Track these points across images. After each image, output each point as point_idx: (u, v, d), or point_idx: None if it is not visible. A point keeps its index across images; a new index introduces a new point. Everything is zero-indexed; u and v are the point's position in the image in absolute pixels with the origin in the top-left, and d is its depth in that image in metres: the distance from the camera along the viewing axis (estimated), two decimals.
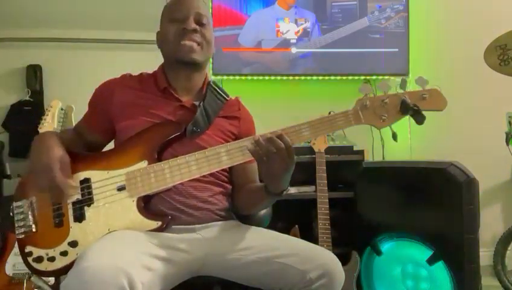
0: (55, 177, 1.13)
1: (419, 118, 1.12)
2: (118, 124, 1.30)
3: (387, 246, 2.08)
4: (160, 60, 1.39)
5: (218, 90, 1.37)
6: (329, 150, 2.38)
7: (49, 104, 2.26)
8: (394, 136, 1.18)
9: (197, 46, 1.29)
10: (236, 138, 1.32)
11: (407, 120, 2.88)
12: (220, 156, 1.16)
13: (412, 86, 1.16)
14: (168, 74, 1.35)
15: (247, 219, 1.39)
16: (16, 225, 1.20)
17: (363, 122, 1.16)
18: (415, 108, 1.12)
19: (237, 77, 2.80)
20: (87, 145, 1.37)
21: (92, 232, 1.14)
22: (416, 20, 2.91)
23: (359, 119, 1.16)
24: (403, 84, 1.16)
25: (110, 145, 1.36)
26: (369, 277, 2.14)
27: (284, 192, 1.21)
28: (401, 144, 2.85)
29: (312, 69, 2.85)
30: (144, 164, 1.18)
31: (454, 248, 1.85)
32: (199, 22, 1.30)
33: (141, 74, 1.39)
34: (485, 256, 2.33)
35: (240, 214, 1.38)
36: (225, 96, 1.38)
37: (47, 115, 2.21)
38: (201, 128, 1.28)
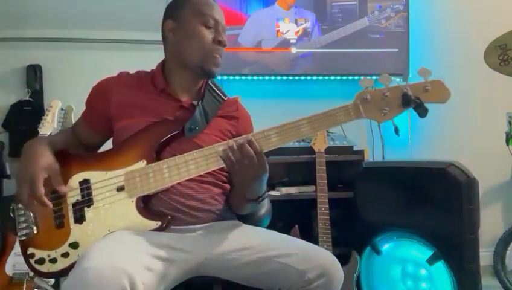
0: (37, 192, 1.11)
1: (421, 111, 1.08)
2: (115, 124, 1.30)
3: (387, 246, 2.08)
4: (160, 60, 1.39)
5: (216, 90, 1.37)
6: (329, 150, 2.38)
7: (49, 104, 2.25)
8: (396, 131, 1.15)
9: (221, 60, 1.31)
10: (235, 137, 1.30)
11: (408, 120, 2.87)
12: (218, 154, 1.15)
13: None
14: (170, 73, 1.34)
15: (247, 219, 1.39)
16: (18, 227, 1.20)
17: (364, 116, 1.13)
18: (417, 101, 1.08)
19: (237, 77, 2.79)
20: (85, 144, 1.37)
21: (92, 233, 1.14)
22: (416, 20, 2.91)
23: (359, 113, 1.13)
24: (405, 77, 1.13)
25: (108, 145, 1.35)
26: (369, 277, 2.14)
27: (260, 198, 1.22)
28: (401, 144, 2.85)
29: (312, 69, 2.85)
30: (142, 163, 1.18)
31: (454, 248, 1.85)
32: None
33: (138, 72, 1.38)
34: (485, 256, 2.33)
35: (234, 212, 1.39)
36: (223, 97, 1.38)
37: (47, 115, 2.21)
38: (200, 127, 1.28)
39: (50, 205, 1.13)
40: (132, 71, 1.40)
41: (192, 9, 1.30)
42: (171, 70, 1.34)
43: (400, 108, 1.11)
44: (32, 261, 1.17)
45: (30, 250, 1.18)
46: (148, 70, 1.40)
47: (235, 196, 1.31)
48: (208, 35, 1.28)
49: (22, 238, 1.19)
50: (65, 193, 1.16)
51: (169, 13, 1.34)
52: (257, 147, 1.11)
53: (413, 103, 1.09)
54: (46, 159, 1.16)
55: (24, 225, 1.19)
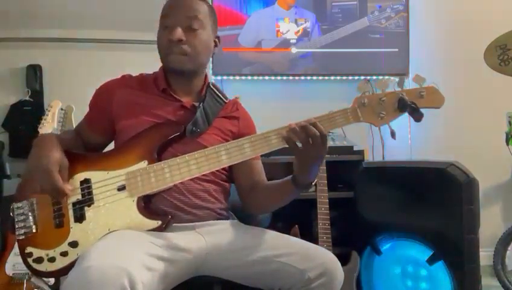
0: (55, 181, 1.12)
1: (417, 116, 1.12)
2: (118, 124, 1.31)
3: (387, 246, 2.08)
4: (159, 60, 1.39)
5: (217, 92, 1.38)
6: (329, 150, 2.35)
7: (49, 104, 2.25)
8: (393, 134, 1.18)
9: (184, 56, 1.28)
10: (236, 136, 1.32)
11: (408, 120, 2.88)
12: (219, 155, 1.16)
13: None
14: (168, 75, 1.36)
15: (247, 219, 1.39)
16: (16, 226, 1.19)
17: (362, 120, 1.16)
18: (413, 106, 1.12)
19: (237, 77, 2.80)
20: (88, 146, 1.37)
21: (92, 233, 1.13)
22: (416, 20, 2.91)
23: (357, 117, 1.16)
24: (401, 83, 1.16)
25: (110, 146, 1.36)
26: (369, 277, 2.14)
27: (312, 184, 1.22)
28: (401, 144, 2.85)
29: (312, 69, 2.85)
30: (143, 164, 1.18)
31: (454, 248, 1.85)
32: (189, 28, 1.28)
33: (141, 74, 1.39)
34: (485, 256, 2.33)
35: (254, 214, 1.39)
36: (224, 99, 1.39)
37: (47, 115, 2.21)
38: (201, 128, 1.28)
39: (70, 193, 1.15)
40: (132, 71, 1.40)
41: (160, 15, 1.33)
42: (167, 74, 1.36)
43: (396, 112, 1.15)
44: (30, 260, 1.17)
45: (28, 249, 1.17)
46: (149, 69, 1.40)
47: (277, 186, 1.29)
48: (164, 37, 1.29)
49: (21, 237, 1.19)
50: (69, 192, 1.16)
51: None
52: (321, 128, 1.11)
53: (409, 107, 1.12)
54: (57, 153, 1.17)
55: (22, 224, 1.19)
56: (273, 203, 1.33)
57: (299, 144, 1.12)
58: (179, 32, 1.26)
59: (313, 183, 1.24)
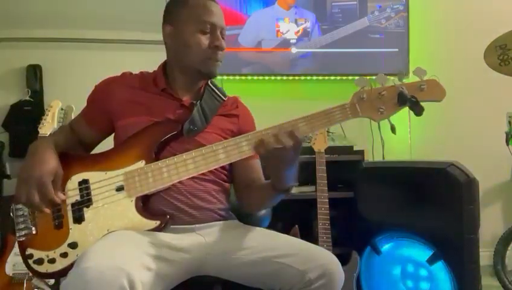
0: (47, 193, 1.11)
1: (417, 109, 1.09)
2: (117, 122, 1.30)
3: (387, 246, 2.08)
4: (160, 60, 1.39)
5: (216, 90, 1.37)
6: (329, 150, 2.38)
7: (49, 104, 2.25)
8: (393, 129, 1.15)
9: (220, 62, 1.31)
10: (236, 134, 1.30)
11: (408, 120, 2.87)
12: (216, 153, 1.15)
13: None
14: (171, 74, 1.35)
15: (247, 219, 1.39)
16: (17, 228, 1.20)
17: (361, 115, 1.14)
18: (413, 99, 1.09)
19: (237, 77, 2.79)
20: (81, 142, 1.37)
21: (91, 233, 1.14)
22: (416, 20, 2.91)
23: (356, 112, 1.13)
24: (400, 77, 1.14)
25: (107, 145, 1.35)
26: (369, 277, 2.14)
27: (291, 189, 1.21)
28: (401, 144, 2.85)
29: (312, 69, 2.85)
30: (141, 163, 1.18)
31: (454, 248, 1.85)
32: (223, 37, 1.31)
33: (141, 72, 1.39)
34: (485, 256, 2.32)
35: (246, 212, 1.39)
36: (223, 96, 1.38)
37: (47, 115, 2.20)
38: (199, 126, 1.28)
39: (64, 197, 1.15)
40: (132, 71, 1.40)
41: (189, 14, 1.28)
42: (172, 71, 1.35)
43: (396, 107, 1.12)
44: (30, 261, 1.17)
45: (29, 251, 1.17)
46: (149, 70, 1.40)
47: (263, 188, 1.29)
48: (204, 41, 1.27)
49: (21, 239, 1.19)
50: (59, 201, 1.15)
51: (167, 17, 1.33)
52: (293, 133, 1.08)
53: (409, 101, 1.09)
54: (52, 163, 1.15)
55: (23, 225, 1.19)
56: (260, 205, 1.35)
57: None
58: (224, 42, 1.30)
59: (292, 189, 1.21)
